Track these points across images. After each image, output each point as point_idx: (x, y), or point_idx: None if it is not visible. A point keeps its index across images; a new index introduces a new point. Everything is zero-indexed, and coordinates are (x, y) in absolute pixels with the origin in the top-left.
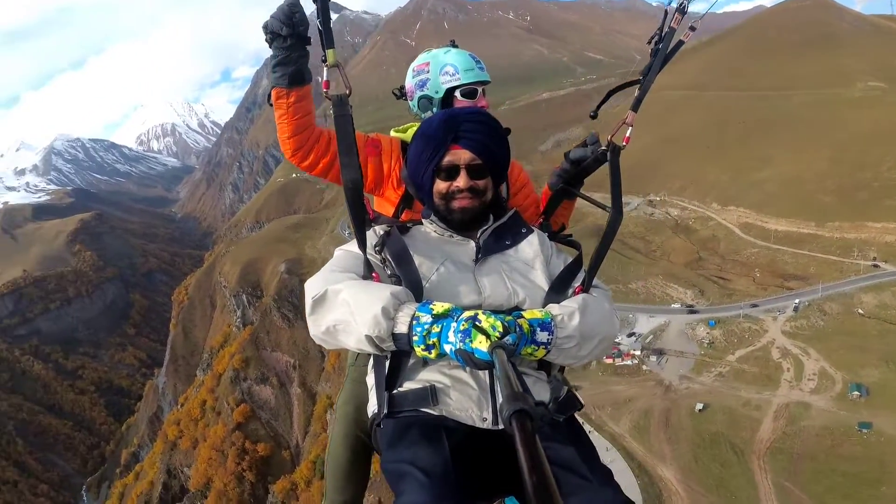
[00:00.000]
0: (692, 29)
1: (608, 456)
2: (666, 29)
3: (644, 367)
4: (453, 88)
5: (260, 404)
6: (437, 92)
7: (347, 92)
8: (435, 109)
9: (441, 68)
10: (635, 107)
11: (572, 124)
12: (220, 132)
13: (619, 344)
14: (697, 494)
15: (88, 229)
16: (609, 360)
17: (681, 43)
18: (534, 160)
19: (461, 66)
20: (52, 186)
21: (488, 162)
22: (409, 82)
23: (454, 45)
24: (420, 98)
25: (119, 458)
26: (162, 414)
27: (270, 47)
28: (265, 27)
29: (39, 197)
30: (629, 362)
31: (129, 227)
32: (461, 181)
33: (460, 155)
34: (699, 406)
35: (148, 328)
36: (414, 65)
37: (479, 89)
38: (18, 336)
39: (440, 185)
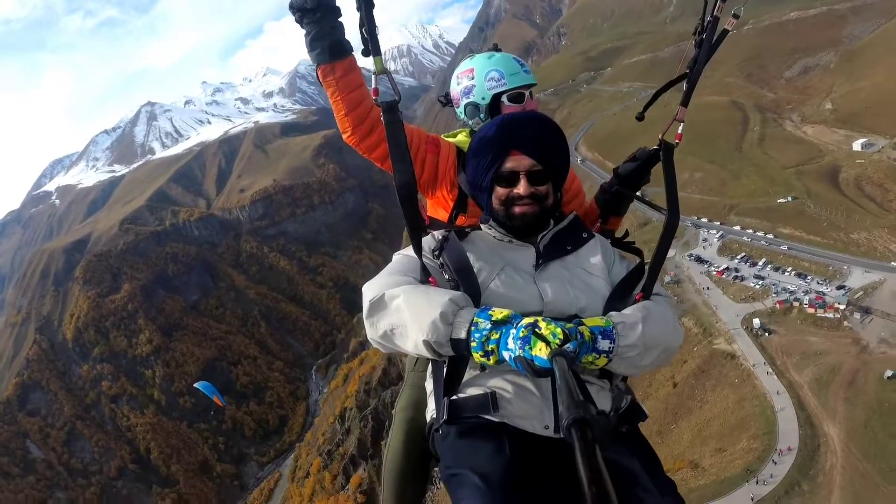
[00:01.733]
0: (735, 17)
1: (779, 402)
2: (709, 18)
3: (845, 323)
4: (500, 94)
5: None
6: (483, 98)
7: (397, 98)
8: (482, 116)
9: (486, 74)
10: (685, 102)
11: (822, 48)
12: (454, 52)
13: (824, 294)
14: (854, 458)
15: (332, 144)
16: (811, 310)
17: (725, 32)
18: (777, 87)
19: (506, 70)
20: (298, 107)
21: (548, 167)
22: (454, 89)
23: (498, 49)
24: (467, 105)
25: (347, 346)
26: None
27: (301, 26)
28: (291, 6)
29: (286, 116)
30: (831, 315)
31: None
32: (521, 188)
33: (520, 161)
34: (889, 373)
35: (383, 235)
36: (458, 71)
37: (526, 93)
38: (268, 236)
39: (500, 192)
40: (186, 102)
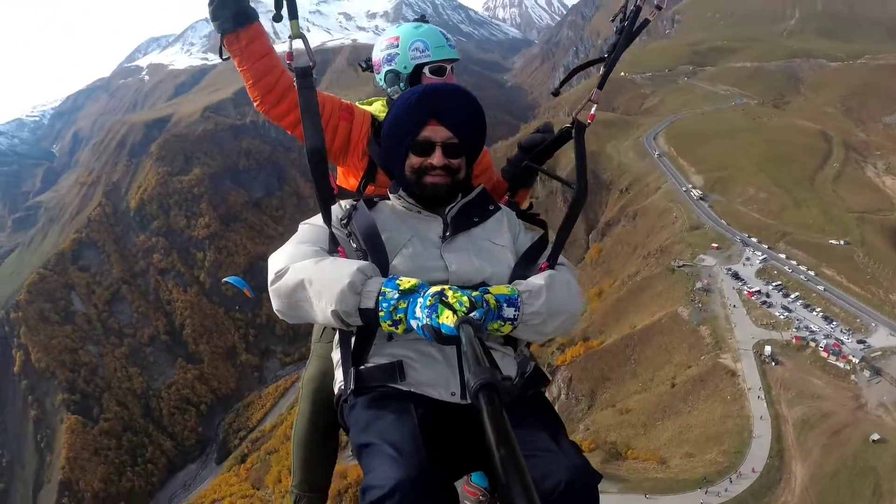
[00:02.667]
0: (658, 7)
1: (759, 428)
2: (631, 7)
3: (852, 377)
4: (422, 65)
5: None
6: (405, 68)
7: (311, 64)
8: (402, 85)
9: (411, 44)
10: (601, 85)
11: None
12: (565, 13)
13: (842, 343)
14: (809, 502)
15: None
16: (824, 354)
17: (646, 21)
18: (872, 129)
19: (432, 42)
20: None
21: (465, 141)
22: (377, 55)
23: (425, 21)
24: (387, 72)
25: None
26: None
27: None
28: None
29: None
30: (841, 364)
31: (459, 82)
32: (436, 158)
33: (437, 131)
34: (876, 437)
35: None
36: (383, 38)
37: (448, 67)
38: None
39: (413, 160)
40: None
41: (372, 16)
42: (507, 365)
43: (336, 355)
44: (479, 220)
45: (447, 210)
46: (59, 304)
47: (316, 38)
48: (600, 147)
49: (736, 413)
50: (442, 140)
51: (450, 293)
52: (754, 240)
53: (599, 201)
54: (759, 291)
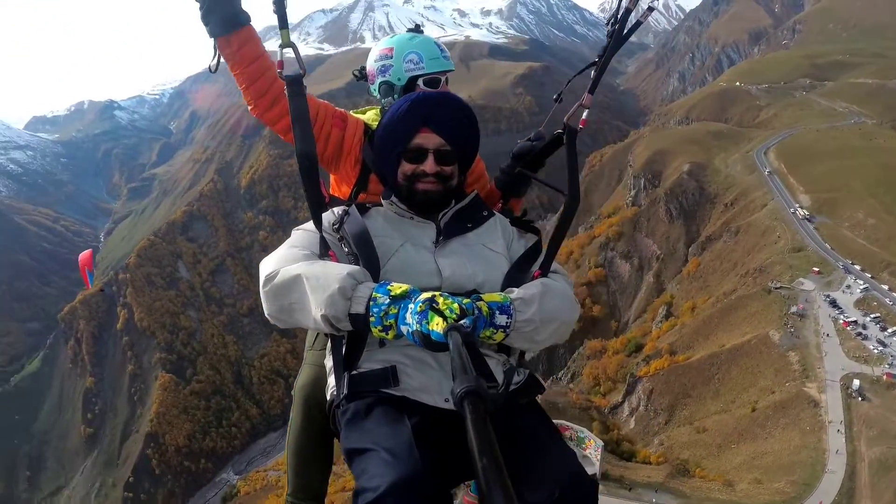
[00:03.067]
0: (650, 10)
1: (834, 463)
2: (622, 10)
3: None
4: (416, 77)
5: (614, 275)
6: (399, 79)
7: (302, 72)
8: (396, 97)
9: (405, 55)
10: (592, 89)
11: None
12: (682, 17)
13: None
14: None
15: (534, 77)
16: None
17: (638, 24)
18: None
19: (426, 54)
20: (512, 32)
21: (457, 149)
22: (371, 66)
23: (419, 31)
24: (381, 83)
25: None
26: None
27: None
28: None
29: (498, 38)
30: None
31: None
32: (428, 165)
33: (429, 139)
34: None
35: (559, 177)
36: (377, 48)
37: (443, 78)
38: None
39: (406, 167)
40: (405, 1)
41: (486, 13)
42: (501, 373)
43: (328, 361)
44: (472, 225)
45: (440, 216)
46: (165, 269)
47: (430, 34)
48: (708, 158)
49: (812, 445)
50: (434, 147)
51: (440, 300)
52: (857, 267)
53: (703, 214)
54: (855, 322)
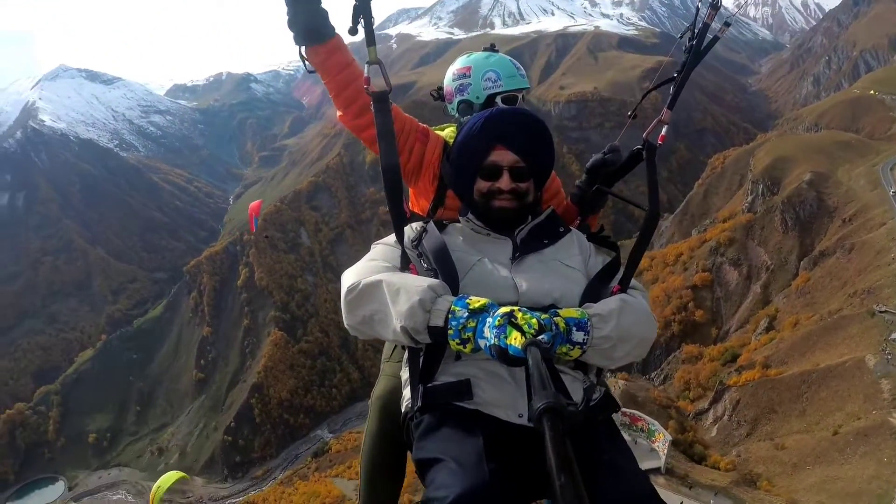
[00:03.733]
0: (727, 24)
1: None
2: (699, 25)
3: None
4: (494, 95)
5: (720, 281)
6: (477, 98)
7: (388, 90)
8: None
9: (483, 74)
10: (671, 104)
11: None
12: (820, 17)
13: None
14: None
15: (663, 72)
16: None
17: (716, 38)
18: None
19: (503, 72)
20: (643, 24)
21: (532, 165)
22: (449, 85)
23: (495, 50)
24: (460, 102)
25: None
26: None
27: (285, 3)
28: None
29: (628, 30)
30: None
31: (699, 82)
32: (503, 182)
33: (504, 156)
34: None
35: (681, 176)
36: (454, 68)
37: (520, 96)
38: (571, 138)
39: (481, 184)
40: None
41: (618, 3)
42: (576, 390)
43: (405, 373)
44: (549, 241)
45: (516, 232)
46: (288, 234)
47: (559, 22)
48: (832, 169)
49: (886, 477)
50: (509, 164)
51: (519, 314)
52: None
53: (819, 227)
54: None
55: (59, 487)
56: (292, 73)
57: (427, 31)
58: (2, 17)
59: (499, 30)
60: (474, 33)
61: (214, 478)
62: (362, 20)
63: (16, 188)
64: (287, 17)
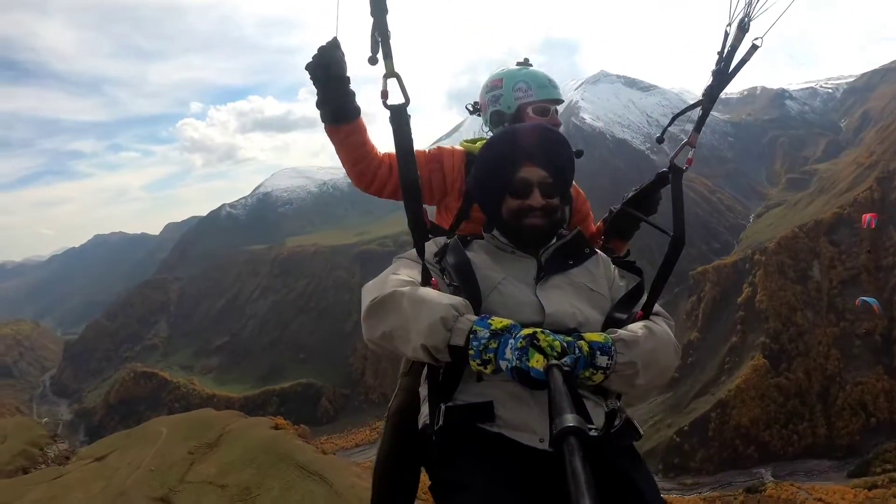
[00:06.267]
0: (754, 48)
1: None
2: (727, 48)
3: None
4: (526, 105)
5: None
6: (509, 108)
7: (405, 102)
8: (507, 126)
9: (514, 84)
10: (698, 128)
11: None
12: None
13: None
14: None
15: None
16: None
17: (743, 61)
18: None
19: (534, 83)
20: None
21: (559, 180)
22: (483, 98)
23: (528, 64)
24: (492, 113)
25: None
26: None
27: (315, 86)
28: (306, 68)
29: None
30: None
31: None
32: (535, 200)
33: (533, 172)
34: None
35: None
36: (488, 81)
37: (552, 108)
38: None
39: (511, 203)
40: None
41: None
42: (597, 415)
43: (423, 390)
44: (574, 262)
45: (542, 251)
46: (799, 264)
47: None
48: None
49: None
50: (538, 181)
51: (542, 336)
52: None
53: None
54: None
55: None
56: (830, 91)
57: None
58: (554, 26)
59: None
60: None
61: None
62: (379, 38)
63: None
64: (318, 97)
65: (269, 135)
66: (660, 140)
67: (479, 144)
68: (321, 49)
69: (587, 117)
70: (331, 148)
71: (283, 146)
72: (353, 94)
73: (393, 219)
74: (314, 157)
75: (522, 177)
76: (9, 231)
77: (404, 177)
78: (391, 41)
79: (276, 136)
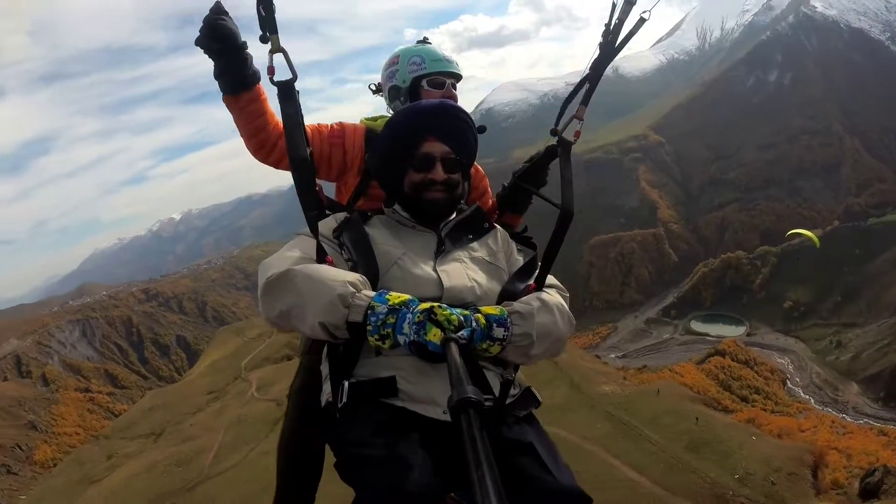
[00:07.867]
0: (641, 21)
1: None
2: (615, 21)
3: None
4: (420, 77)
5: None
6: (404, 81)
7: (293, 77)
8: (403, 100)
9: (409, 59)
10: (585, 101)
11: None
12: None
13: None
14: None
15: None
16: None
17: (631, 34)
18: None
19: (428, 56)
20: None
21: (461, 155)
22: (381, 75)
23: (426, 41)
24: (390, 88)
25: None
26: None
27: (210, 58)
28: (196, 43)
29: None
30: None
31: None
32: (437, 174)
33: (436, 147)
34: None
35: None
36: (387, 59)
37: (448, 82)
38: None
39: (414, 176)
40: None
41: None
42: (497, 386)
43: (325, 368)
44: (473, 237)
45: (441, 226)
46: None
47: None
48: None
49: None
50: (441, 155)
51: (439, 311)
52: None
53: None
54: None
55: (739, 329)
56: None
57: None
58: None
59: None
60: None
61: (868, 393)
62: (264, 13)
63: (784, 68)
64: (215, 68)
65: (484, 51)
66: (554, 132)
67: (380, 122)
68: (209, 21)
69: (818, 5)
70: (549, 57)
71: (499, 61)
72: (250, 59)
73: (615, 125)
74: (531, 68)
75: (425, 151)
76: (253, 168)
77: (293, 154)
78: (275, 15)
79: (491, 52)
